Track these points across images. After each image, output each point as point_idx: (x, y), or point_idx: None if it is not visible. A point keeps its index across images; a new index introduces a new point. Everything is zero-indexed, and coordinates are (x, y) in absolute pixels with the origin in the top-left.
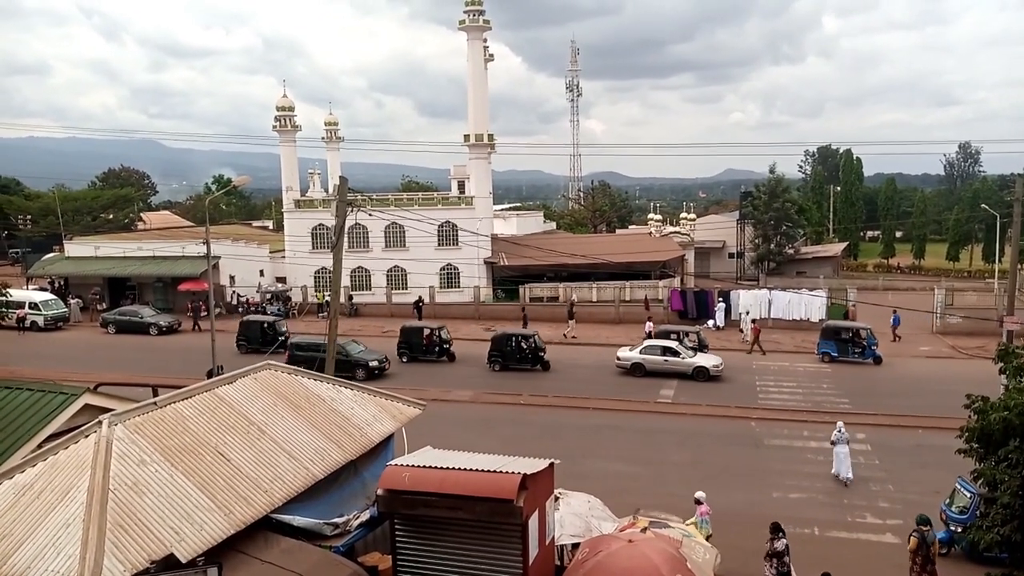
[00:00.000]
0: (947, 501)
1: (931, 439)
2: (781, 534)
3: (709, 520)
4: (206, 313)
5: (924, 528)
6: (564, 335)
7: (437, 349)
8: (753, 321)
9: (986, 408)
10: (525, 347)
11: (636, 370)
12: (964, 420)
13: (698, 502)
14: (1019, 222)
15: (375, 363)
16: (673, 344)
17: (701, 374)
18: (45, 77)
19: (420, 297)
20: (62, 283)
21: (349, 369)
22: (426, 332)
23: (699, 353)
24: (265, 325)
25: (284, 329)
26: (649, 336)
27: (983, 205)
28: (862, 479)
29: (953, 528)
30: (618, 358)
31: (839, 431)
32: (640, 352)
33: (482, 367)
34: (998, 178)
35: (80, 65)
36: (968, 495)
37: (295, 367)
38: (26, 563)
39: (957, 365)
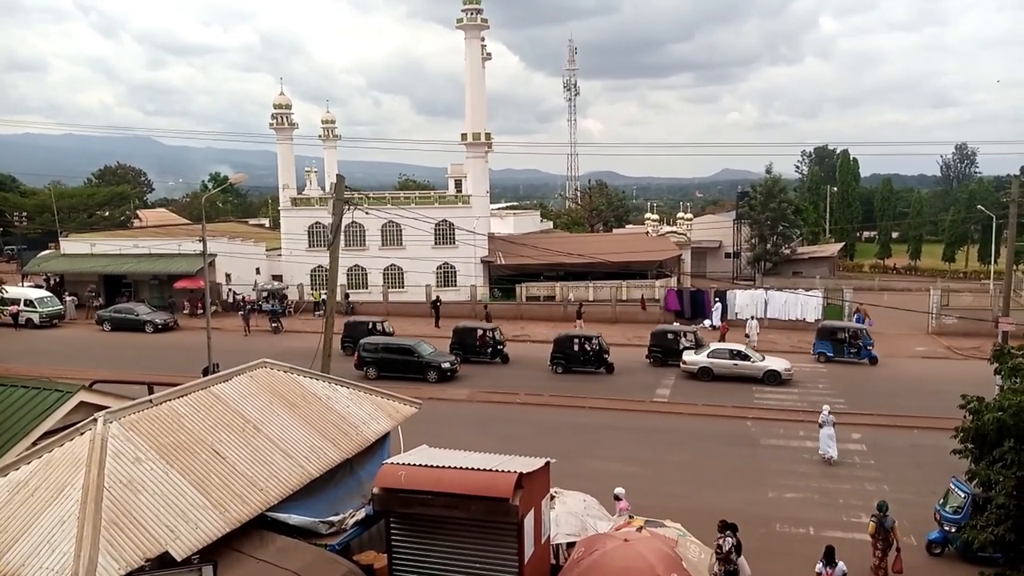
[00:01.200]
0: (941, 501)
1: (926, 439)
2: (729, 532)
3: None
4: (201, 311)
5: (882, 514)
6: None
7: (490, 350)
8: (723, 321)
9: (981, 409)
10: (588, 349)
11: (704, 374)
12: (959, 420)
13: (617, 498)
14: (1015, 223)
15: (447, 365)
16: (743, 348)
17: (772, 378)
18: (43, 74)
19: (438, 297)
20: (58, 280)
21: (421, 371)
22: (479, 332)
23: (768, 357)
24: (370, 326)
25: (391, 330)
26: None
27: (979, 206)
28: (857, 479)
29: (947, 528)
30: (684, 362)
31: (825, 414)
32: (708, 356)
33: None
34: (994, 179)
35: (78, 62)
36: (962, 495)
37: (290, 369)
38: (21, 560)
39: (952, 366)
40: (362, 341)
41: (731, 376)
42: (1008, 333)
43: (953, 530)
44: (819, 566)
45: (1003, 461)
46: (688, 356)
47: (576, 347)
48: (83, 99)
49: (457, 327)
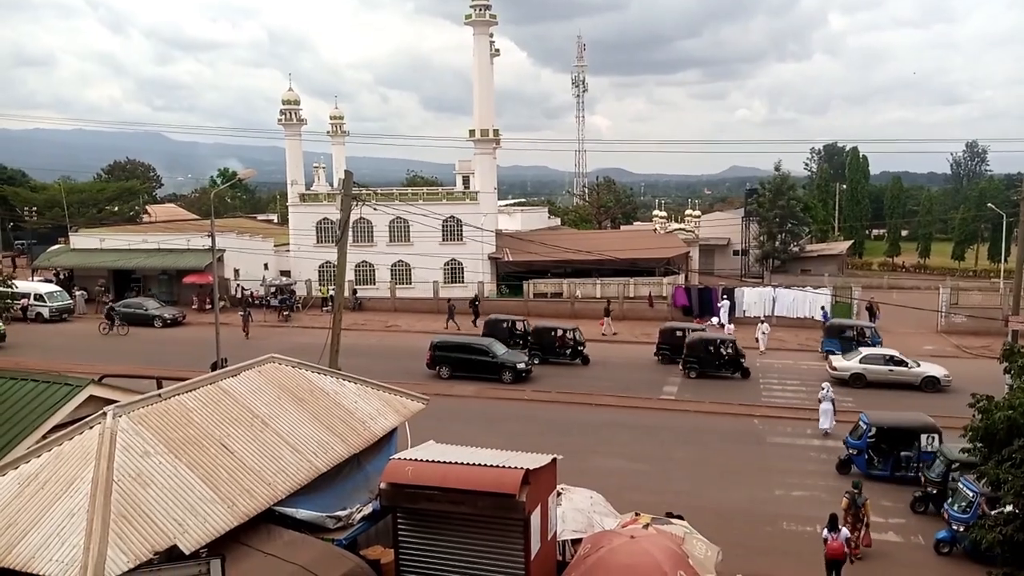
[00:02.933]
0: (950, 500)
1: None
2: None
3: None
4: (209, 306)
5: (856, 492)
6: (603, 334)
7: (569, 351)
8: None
9: (991, 407)
10: (724, 353)
11: (856, 380)
12: (968, 419)
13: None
14: None
15: (522, 365)
16: (897, 353)
17: (930, 384)
18: (52, 69)
19: (477, 295)
20: (67, 275)
21: (495, 371)
22: (559, 333)
23: (923, 362)
24: (506, 324)
25: (532, 329)
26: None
27: (989, 204)
28: (864, 476)
29: (956, 527)
30: (834, 368)
31: (825, 391)
32: (860, 361)
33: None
34: (1004, 177)
35: (86, 57)
36: (971, 494)
37: (298, 364)
38: (31, 552)
39: (962, 364)
40: (434, 340)
41: (885, 383)
42: (1018, 332)
43: (961, 529)
44: (825, 532)
45: (1012, 460)
46: (838, 362)
47: (711, 350)
48: (92, 94)
49: (536, 327)
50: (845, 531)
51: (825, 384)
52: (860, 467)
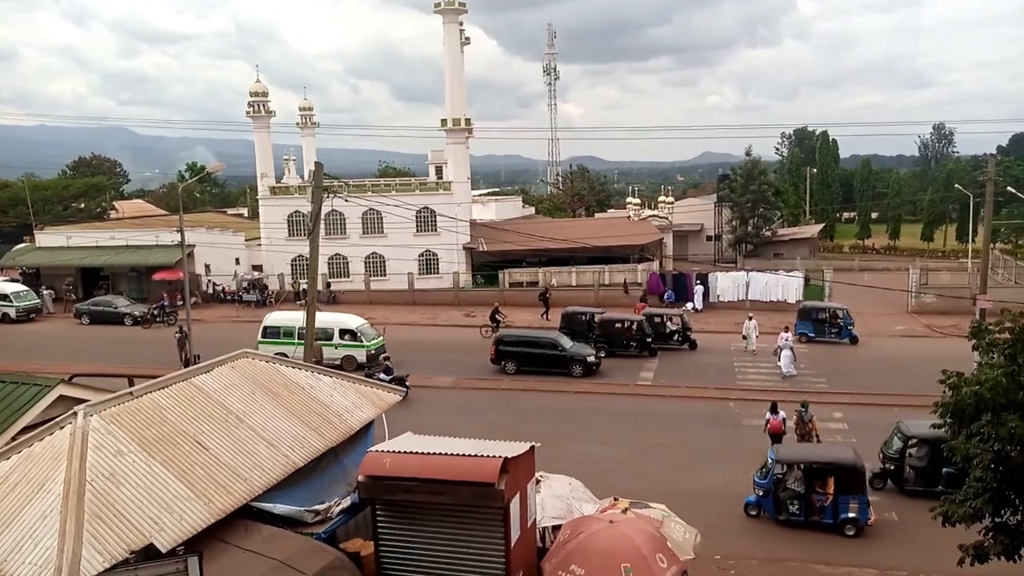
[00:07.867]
0: (757, 469)
1: (907, 417)
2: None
3: None
4: (180, 302)
5: (803, 410)
6: None
7: (636, 343)
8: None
9: (960, 383)
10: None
11: None
12: (939, 398)
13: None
14: (991, 202)
15: (592, 359)
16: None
17: None
18: (13, 63)
19: (547, 288)
20: (34, 274)
21: (564, 365)
22: (625, 324)
23: None
24: (586, 316)
25: (597, 321)
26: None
27: (957, 186)
28: None
29: (758, 492)
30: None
31: (782, 340)
32: None
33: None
34: (971, 159)
35: (49, 51)
36: (770, 462)
37: (272, 359)
38: (3, 555)
39: (932, 344)
40: (500, 334)
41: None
42: (986, 310)
43: (761, 494)
44: (767, 414)
45: (980, 435)
46: None
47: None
48: (55, 89)
49: (602, 318)
50: (783, 413)
51: (782, 332)
52: None
